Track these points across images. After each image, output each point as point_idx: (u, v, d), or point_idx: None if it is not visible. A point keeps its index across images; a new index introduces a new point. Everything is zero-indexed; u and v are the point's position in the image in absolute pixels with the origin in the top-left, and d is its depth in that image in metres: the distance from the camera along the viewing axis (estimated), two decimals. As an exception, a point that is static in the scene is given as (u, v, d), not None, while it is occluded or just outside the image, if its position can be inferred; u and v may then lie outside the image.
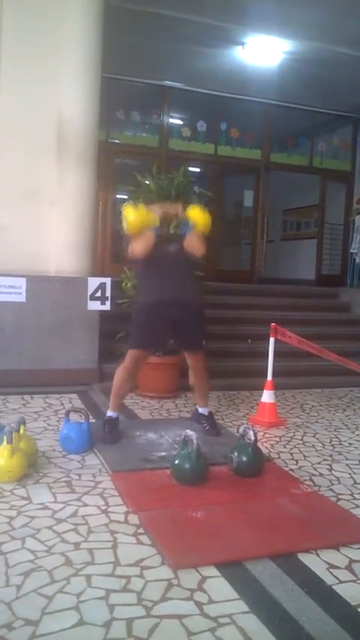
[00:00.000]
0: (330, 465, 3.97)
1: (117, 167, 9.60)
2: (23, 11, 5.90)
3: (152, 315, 4.19)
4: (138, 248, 4.07)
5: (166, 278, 4.13)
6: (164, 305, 4.13)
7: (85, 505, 3.08)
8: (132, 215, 4.00)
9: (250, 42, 8.07)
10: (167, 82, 9.67)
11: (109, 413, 4.33)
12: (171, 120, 10.07)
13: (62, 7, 5.92)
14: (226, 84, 9.45)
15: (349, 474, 3.81)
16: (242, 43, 8.13)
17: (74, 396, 5.59)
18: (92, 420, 4.35)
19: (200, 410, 4.58)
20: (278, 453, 4.19)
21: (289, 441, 4.51)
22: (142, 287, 4.33)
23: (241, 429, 3.84)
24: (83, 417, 3.99)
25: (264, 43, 8.06)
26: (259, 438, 4.08)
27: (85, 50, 6.03)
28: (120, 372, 4.29)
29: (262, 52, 8.26)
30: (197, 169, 10.36)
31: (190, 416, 4.79)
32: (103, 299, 5.94)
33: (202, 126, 10.12)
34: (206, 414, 4.56)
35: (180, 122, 10.24)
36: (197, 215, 4.12)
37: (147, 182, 5.77)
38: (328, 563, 2.58)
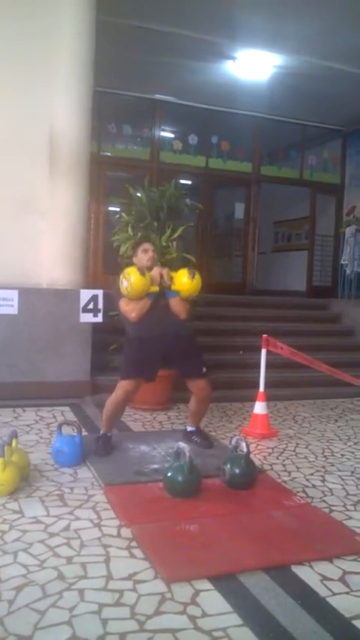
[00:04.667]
0: (323, 477, 3.97)
1: (109, 180, 9.64)
2: (15, 24, 5.94)
3: (143, 347, 4.15)
4: (134, 315, 4.01)
5: (155, 322, 4.07)
6: (154, 338, 4.10)
7: (78, 519, 3.07)
8: (137, 280, 3.89)
9: (241, 56, 8.17)
10: (158, 96, 9.76)
11: (102, 432, 4.30)
12: (162, 133, 10.15)
13: (54, 21, 5.96)
14: (217, 97, 9.55)
15: (342, 485, 3.82)
16: (233, 58, 8.22)
17: (66, 408, 5.56)
18: (85, 433, 4.33)
19: (189, 428, 4.56)
20: (271, 465, 4.19)
21: (282, 453, 4.51)
22: (131, 325, 4.27)
23: (233, 441, 3.84)
24: (75, 430, 3.98)
25: (254, 58, 8.16)
26: (251, 449, 4.08)
27: (77, 64, 6.07)
28: (112, 401, 4.19)
29: (253, 66, 8.36)
30: (188, 182, 10.42)
31: (182, 436, 4.70)
32: (95, 311, 5.94)
33: (193, 139, 10.20)
34: (194, 429, 4.54)
35: (171, 135, 10.32)
36: (182, 283, 4.06)
37: (138, 194, 5.80)
38: (321, 575, 2.58)
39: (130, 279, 3.89)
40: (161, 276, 4.04)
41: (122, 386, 4.16)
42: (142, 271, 3.95)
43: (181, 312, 4.12)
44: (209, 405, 4.51)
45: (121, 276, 4.00)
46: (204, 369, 4.32)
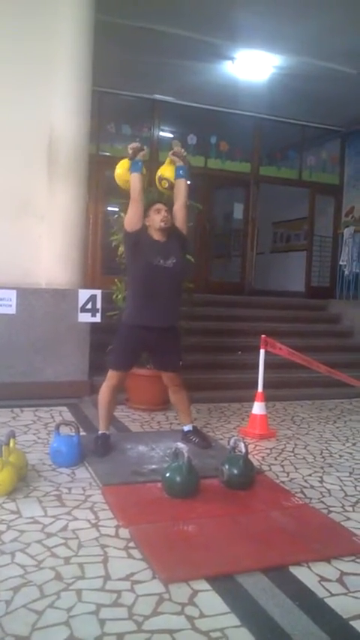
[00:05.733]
0: (321, 477, 3.97)
1: (107, 179, 9.61)
2: (14, 25, 5.94)
3: (135, 339, 4.21)
4: (135, 195, 4.14)
5: (155, 301, 4.10)
6: (148, 330, 4.13)
7: (76, 519, 3.06)
8: (120, 166, 4.21)
9: (240, 57, 8.16)
10: (157, 96, 9.76)
11: (101, 432, 4.31)
12: (161, 133, 10.15)
13: (54, 22, 5.96)
14: (216, 98, 9.55)
15: (340, 486, 3.82)
16: (232, 58, 8.22)
17: (64, 408, 5.56)
18: (82, 433, 4.33)
19: (185, 428, 4.57)
20: (269, 465, 4.18)
21: (280, 453, 4.51)
22: (130, 307, 4.29)
23: (231, 442, 3.83)
24: (73, 430, 3.98)
25: (254, 58, 8.16)
26: (249, 450, 4.07)
27: (76, 64, 6.06)
28: (104, 392, 4.26)
29: (252, 67, 8.36)
30: (187, 182, 10.40)
31: (180, 436, 4.71)
32: (93, 311, 5.93)
33: (192, 139, 10.21)
34: (191, 429, 4.55)
35: (170, 135, 10.31)
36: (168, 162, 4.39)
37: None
38: (319, 575, 2.58)
39: (117, 168, 4.34)
40: (135, 150, 4.31)
41: (112, 375, 4.24)
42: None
43: (184, 194, 4.29)
44: (187, 395, 4.50)
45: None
46: (180, 363, 4.39)
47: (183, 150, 4.36)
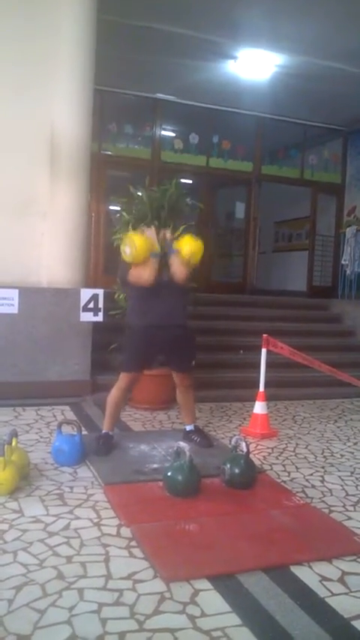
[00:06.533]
0: (322, 477, 3.97)
1: (109, 179, 9.63)
2: (15, 23, 5.94)
3: (144, 339, 4.22)
4: (146, 276, 4.05)
5: (158, 302, 4.14)
6: (156, 329, 4.17)
7: (78, 518, 3.07)
8: (139, 243, 3.96)
9: (242, 56, 8.16)
10: (159, 95, 9.74)
11: (104, 431, 4.33)
12: (163, 132, 10.13)
13: (55, 21, 5.95)
14: (218, 97, 9.54)
15: (341, 485, 3.82)
16: (234, 57, 8.21)
17: (66, 407, 5.57)
18: (84, 432, 4.34)
19: (187, 428, 4.58)
20: (270, 465, 4.19)
21: (282, 453, 4.52)
22: (134, 310, 4.31)
23: (233, 441, 3.84)
24: (75, 429, 3.98)
25: (255, 57, 8.15)
26: (251, 449, 4.09)
27: (77, 63, 6.07)
28: (115, 393, 4.29)
29: (254, 66, 8.34)
30: (189, 181, 10.41)
31: (182, 435, 4.72)
32: (95, 310, 5.94)
33: (194, 138, 10.19)
34: (193, 428, 4.56)
35: (172, 134, 10.31)
36: (185, 242, 4.14)
37: (139, 194, 5.78)
38: (320, 575, 2.58)
39: (134, 242, 3.96)
40: (162, 235, 4.16)
41: (124, 377, 4.25)
42: (141, 232, 4.08)
43: (181, 271, 4.13)
44: (194, 396, 4.54)
45: (122, 246, 4.07)
46: (193, 363, 4.41)
47: (169, 235, 4.25)
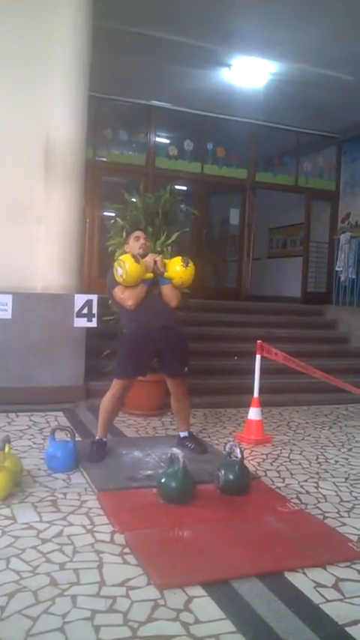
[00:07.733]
0: (317, 483, 3.96)
1: (104, 185, 9.64)
2: (11, 29, 5.95)
3: (137, 344, 4.21)
4: (130, 302, 4.06)
5: (149, 310, 4.13)
6: (148, 334, 4.17)
7: (71, 524, 3.05)
8: (132, 267, 3.93)
9: (237, 63, 8.19)
10: (154, 102, 9.77)
11: (98, 437, 4.31)
12: (158, 139, 10.16)
13: (51, 27, 5.97)
14: (213, 104, 9.58)
15: (336, 491, 3.82)
16: (228, 65, 8.25)
17: (60, 413, 5.54)
18: (78, 439, 4.32)
19: (181, 434, 4.57)
20: (265, 471, 4.18)
21: (276, 459, 4.51)
22: (126, 318, 4.32)
23: (227, 447, 3.83)
24: (69, 436, 3.97)
25: (250, 65, 8.18)
26: (245, 455, 4.08)
27: (73, 69, 6.08)
28: (108, 400, 4.27)
29: (249, 73, 8.38)
30: (184, 188, 10.43)
31: (176, 442, 4.71)
32: (89, 316, 5.93)
33: (188, 145, 10.22)
34: (187, 435, 4.55)
35: (167, 141, 10.33)
36: (175, 271, 4.16)
37: (134, 200, 5.80)
38: (315, 581, 2.58)
39: (125, 267, 3.93)
40: (155, 263, 4.13)
41: (118, 383, 4.23)
42: (136, 258, 4.01)
43: (173, 299, 4.20)
44: (189, 403, 4.54)
45: (115, 264, 4.05)
46: (186, 369, 4.39)
47: (160, 261, 4.22)
